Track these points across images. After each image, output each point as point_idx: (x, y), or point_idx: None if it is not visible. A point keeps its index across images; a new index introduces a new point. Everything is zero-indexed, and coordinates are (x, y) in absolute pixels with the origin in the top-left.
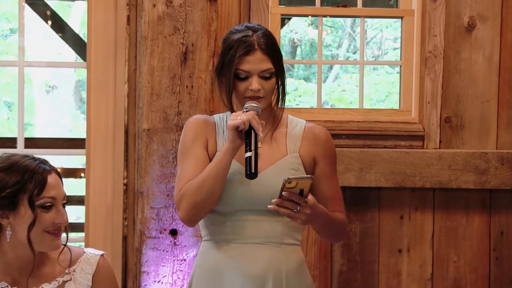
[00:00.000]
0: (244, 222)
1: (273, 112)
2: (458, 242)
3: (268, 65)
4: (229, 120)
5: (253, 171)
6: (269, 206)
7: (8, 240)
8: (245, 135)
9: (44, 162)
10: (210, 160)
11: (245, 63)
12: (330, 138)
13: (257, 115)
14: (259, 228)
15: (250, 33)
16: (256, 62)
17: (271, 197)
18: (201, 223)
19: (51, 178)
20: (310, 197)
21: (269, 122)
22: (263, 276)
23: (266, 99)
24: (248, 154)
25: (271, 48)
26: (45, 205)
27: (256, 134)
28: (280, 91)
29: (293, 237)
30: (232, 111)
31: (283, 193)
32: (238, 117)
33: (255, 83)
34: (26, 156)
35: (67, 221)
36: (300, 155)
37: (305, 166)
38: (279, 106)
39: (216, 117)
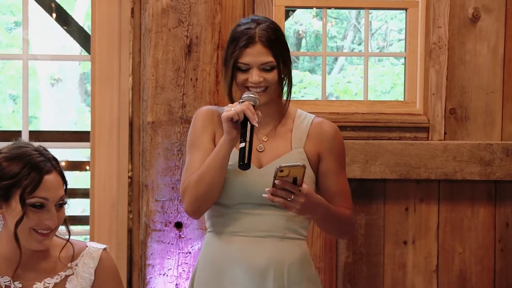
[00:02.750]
0: (247, 215)
1: (279, 106)
2: (463, 234)
3: (268, 58)
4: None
5: (245, 161)
6: (263, 195)
7: (0, 229)
8: (241, 126)
9: (50, 159)
10: None
11: (245, 56)
12: (338, 134)
13: (254, 106)
14: (261, 222)
15: (253, 25)
16: (256, 54)
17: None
18: (206, 214)
19: (49, 178)
20: (305, 186)
21: (275, 116)
22: (264, 269)
23: (269, 92)
24: (242, 145)
25: (273, 41)
26: (35, 205)
27: (252, 125)
28: (286, 84)
29: (297, 232)
30: (232, 102)
31: (276, 181)
32: (232, 108)
33: (254, 76)
34: (36, 149)
35: (59, 222)
36: (305, 151)
37: (310, 162)
38: (285, 99)
39: (226, 108)
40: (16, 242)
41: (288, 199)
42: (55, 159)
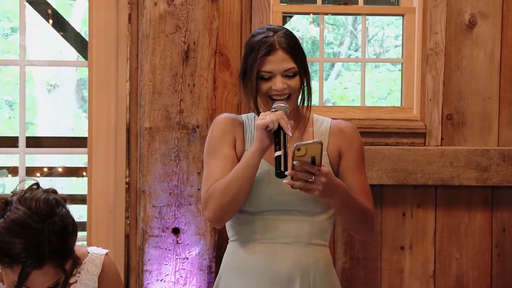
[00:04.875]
0: (273, 222)
1: (299, 112)
2: (460, 239)
3: (290, 64)
4: (257, 119)
5: (283, 169)
6: (284, 181)
7: None
8: (274, 135)
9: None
10: (238, 160)
11: (267, 64)
12: (357, 132)
13: (286, 115)
14: (287, 228)
15: (271, 33)
16: (278, 61)
17: (299, 197)
18: (228, 223)
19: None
20: (324, 166)
21: (296, 122)
22: (290, 276)
23: (293, 98)
24: (278, 153)
25: (293, 47)
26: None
27: (285, 134)
28: (306, 90)
29: (321, 238)
30: (258, 113)
31: (294, 162)
32: (267, 117)
33: (278, 83)
34: (33, 216)
35: None
36: (328, 154)
37: (332, 164)
38: (305, 105)
39: (243, 116)
40: None
41: (309, 180)
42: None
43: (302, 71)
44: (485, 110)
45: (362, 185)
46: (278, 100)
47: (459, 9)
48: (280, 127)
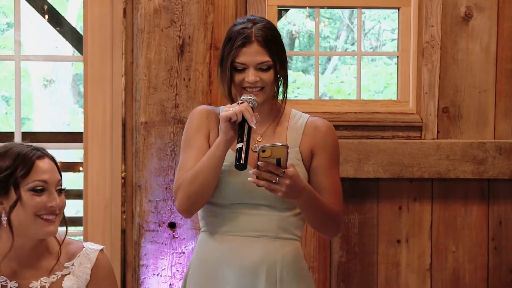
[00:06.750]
0: (240, 215)
1: (274, 105)
2: (456, 232)
3: (264, 57)
4: (222, 111)
5: (242, 161)
6: (249, 179)
7: (4, 226)
8: (238, 127)
9: (39, 148)
10: None
11: (241, 55)
12: (332, 131)
13: (253, 108)
14: (254, 222)
15: (249, 25)
16: (252, 54)
17: (267, 191)
18: (199, 214)
19: (43, 163)
20: (291, 168)
21: (271, 116)
22: (256, 269)
23: (265, 91)
24: (239, 145)
25: (269, 41)
26: (35, 188)
27: (249, 126)
28: (282, 84)
29: (290, 232)
30: (233, 103)
31: (259, 162)
32: (231, 109)
33: (251, 75)
34: (22, 143)
35: (62, 206)
36: (300, 150)
37: (304, 161)
38: (281, 99)
39: (221, 108)
40: (9, 229)
41: (273, 181)
42: (43, 148)
43: (278, 65)
44: (481, 103)
45: (332, 185)
46: (251, 92)
47: (455, 1)
48: (244, 119)
